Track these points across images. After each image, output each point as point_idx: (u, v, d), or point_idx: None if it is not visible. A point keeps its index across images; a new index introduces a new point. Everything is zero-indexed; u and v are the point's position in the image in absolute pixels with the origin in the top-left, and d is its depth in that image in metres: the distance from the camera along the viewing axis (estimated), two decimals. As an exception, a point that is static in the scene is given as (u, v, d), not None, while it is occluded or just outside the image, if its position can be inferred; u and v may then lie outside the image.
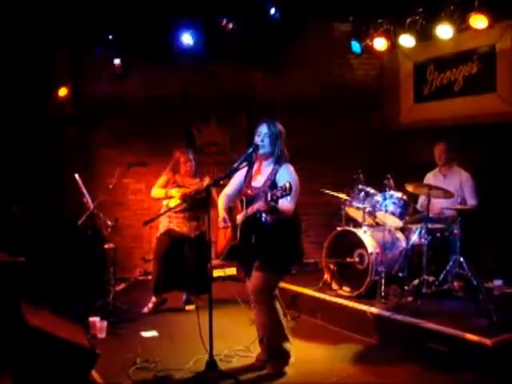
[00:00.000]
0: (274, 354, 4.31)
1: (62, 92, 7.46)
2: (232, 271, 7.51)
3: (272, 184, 4.13)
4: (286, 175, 4.13)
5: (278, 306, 4.35)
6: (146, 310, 6.01)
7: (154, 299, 6.04)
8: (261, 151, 4.25)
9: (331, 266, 5.87)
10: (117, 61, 7.32)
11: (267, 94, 7.92)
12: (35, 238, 6.32)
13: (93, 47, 7.28)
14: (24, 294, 4.66)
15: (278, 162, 4.22)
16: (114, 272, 5.71)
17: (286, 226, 4.15)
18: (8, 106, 6.87)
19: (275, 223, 4.09)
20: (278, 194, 3.81)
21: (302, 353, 4.68)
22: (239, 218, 4.25)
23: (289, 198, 3.93)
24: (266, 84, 7.98)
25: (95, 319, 5.17)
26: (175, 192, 5.86)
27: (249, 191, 4.30)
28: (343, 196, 6.00)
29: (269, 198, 3.85)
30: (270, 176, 4.20)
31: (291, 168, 4.23)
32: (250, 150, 4.30)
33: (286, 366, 4.31)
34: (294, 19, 7.21)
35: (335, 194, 6.09)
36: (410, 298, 5.28)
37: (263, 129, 4.25)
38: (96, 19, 6.93)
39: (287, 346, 4.34)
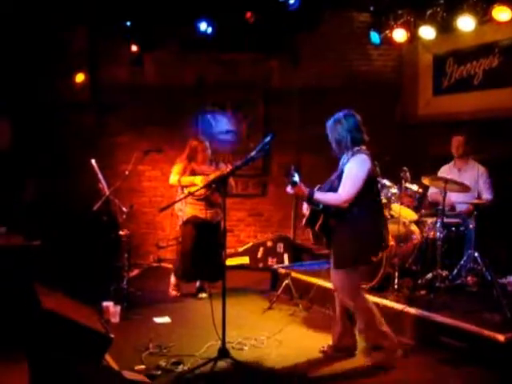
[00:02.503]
0: (373, 346, 4.28)
1: (79, 78, 7.52)
2: (244, 260, 7.56)
3: (340, 174, 4.16)
4: (348, 165, 4.11)
5: (365, 299, 4.30)
6: (174, 293, 6.12)
7: (174, 281, 6.14)
8: None
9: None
10: (134, 47, 7.35)
11: (284, 84, 7.91)
12: (50, 222, 6.39)
13: (110, 33, 7.30)
14: (39, 277, 4.72)
15: (353, 152, 4.16)
16: (128, 258, 5.75)
17: (348, 218, 4.12)
18: (25, 90, 6.93)
19: (337, 214, 4.12)
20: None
21: (314, 343, 4.71)
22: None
23: (344, 187, 4.01)
24: (283, 73, 7.96)
25: (109, 304, 5.23)
26: (199, 180, 5.84)
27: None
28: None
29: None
30: (340, 166, 4.22)
31: (359, 158, 4.11)
32: (268, 138, 4.33)
33: (389, 359, 4.20)
34: (312, 8, 7.18)
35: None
36: (423, 292, 5.27)
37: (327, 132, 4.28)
38: (114, 4, 6.97)
39: (385, 341, 4.22)
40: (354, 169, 4.09)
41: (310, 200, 4.12)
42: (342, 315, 4.43)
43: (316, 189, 4.27)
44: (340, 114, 4.26)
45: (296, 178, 4.01)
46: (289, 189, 4.10)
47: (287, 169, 4.05)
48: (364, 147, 4.22)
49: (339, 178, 4.15)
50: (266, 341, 4.75)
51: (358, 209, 4.10)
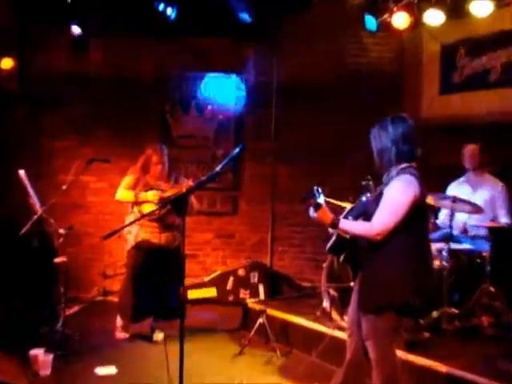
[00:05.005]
0: None
1: (6, 64, 7.39)
2: (211, 292, 7.44)
3: (378, 196, 3.96)
4: (388, 188, 3.90)
5: (393, 354, 4.08)
6: (122, 336, 6.06)
7: (120, 321, 6.08)
8: None
9: (331, 292, 5.87)
10: (76, 29, 7.21)
11: (262, 77, 7.86)
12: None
13: (46, 12, 7.17)
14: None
15: (398, 170, 3.93)
16: (65, 292, 5.64)
17: (380, 255, 3.92)
18: None
19: (368, 248, 3.96)
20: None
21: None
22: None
23: (379, 215, 3.84)
24: (260, 64, 7.91)
25: (38, 352, 5.08)
26: (151, 195, 5.84)
27: None
28: (347, 205, 5.90)
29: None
30: (381, 186, 4.04)
31: (404, 179, 3.85)
32: (237, 150, 4.25)
33: None
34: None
35: (337, 202, 5.99)
36: (426, 335, 5.23)
37: None
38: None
39: None
40: (396, 193, 3.85)
41: (334, 228, 3.98)
42: (350, 365, 4.24)
43: (346, 212, 4.16)
44: (387, 118, 4.01)
45: (321, 199, 3.92)
46: (311, 212, 3.96)
47: (309, 188, 3.94)
48: (414, 164, 3.97)
49: (376, 201, 3.93)
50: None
51: (394, 244, 3.87)
